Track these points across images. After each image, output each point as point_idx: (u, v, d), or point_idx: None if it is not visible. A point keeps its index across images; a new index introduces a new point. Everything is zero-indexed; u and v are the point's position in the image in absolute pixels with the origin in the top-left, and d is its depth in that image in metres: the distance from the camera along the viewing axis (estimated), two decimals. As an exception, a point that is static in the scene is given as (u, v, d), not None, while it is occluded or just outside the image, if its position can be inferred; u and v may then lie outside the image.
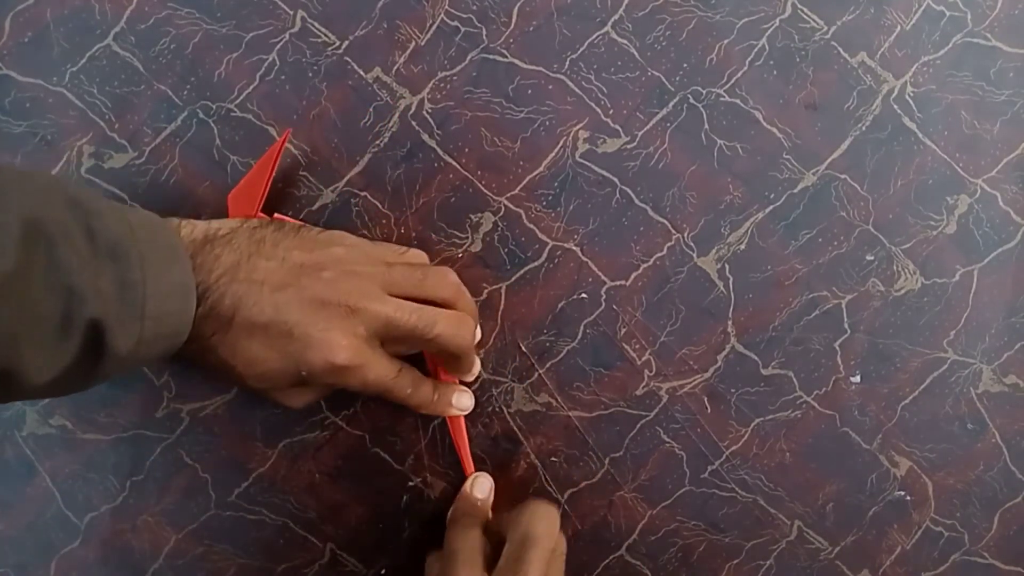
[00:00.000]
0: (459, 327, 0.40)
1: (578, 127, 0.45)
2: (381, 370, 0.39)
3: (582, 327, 0.46)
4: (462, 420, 0.45)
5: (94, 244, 0.32)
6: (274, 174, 0.42)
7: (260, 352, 0.37)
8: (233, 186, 0.44)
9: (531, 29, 0.45)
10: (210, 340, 0.37)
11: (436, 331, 0.39)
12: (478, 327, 0.43)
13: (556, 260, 0.45)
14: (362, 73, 0.45)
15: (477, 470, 0.45)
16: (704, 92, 0.45)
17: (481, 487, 0.45)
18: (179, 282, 0.35)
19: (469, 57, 0.45)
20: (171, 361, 0.44)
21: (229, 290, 0.36)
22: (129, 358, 0.34)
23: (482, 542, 0.41)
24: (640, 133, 0.45)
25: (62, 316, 0.31)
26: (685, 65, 0.45)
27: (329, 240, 0.40)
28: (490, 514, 0.44)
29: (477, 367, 0.44)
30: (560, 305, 0.45)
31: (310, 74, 0.45)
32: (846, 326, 0.46)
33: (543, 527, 0.40)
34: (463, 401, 0.44)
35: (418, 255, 0.43)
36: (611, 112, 0.45)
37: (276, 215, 0.43)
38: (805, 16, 0.45)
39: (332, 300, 0.37)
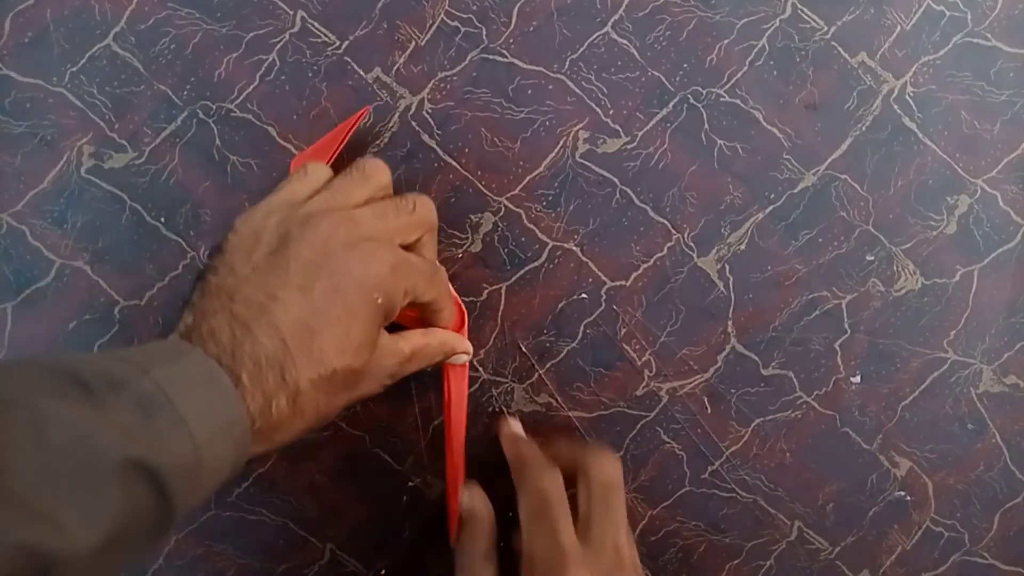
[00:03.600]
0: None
1: (578, 127, 0.45)
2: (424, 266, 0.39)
3: (582, 327, 0.46)
4: (463, 418, 0.45)
5: (88, 388, 0.28)
6: (340, 151, 0.42)
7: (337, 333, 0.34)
8: (234, 186, 0.44)
9: (531, 29, 0.45)
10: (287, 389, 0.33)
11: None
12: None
13: (556, 260, 0.45)
14: (362, 73, 0.45)
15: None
16: (704, 92, 0.45)
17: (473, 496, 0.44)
18: (199, 370, 0.31)
19: (469, 57, 0.45)
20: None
21: (260, 346, 0.33)
22: (197, 471, 0.30)
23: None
24: (640, 133, 0.45)
25: (80, 470, 0.27)
26: (685, 65, 0.45)
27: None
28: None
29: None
30: (560, 305, 0.45)
31: (310, 74, 0.45)
32: (846, 326, 0.46)
33: (616, 473, 0.41)
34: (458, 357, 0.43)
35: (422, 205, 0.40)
36: (611, 112, 0.45)
37: None
38: (805, 16, 0.45)
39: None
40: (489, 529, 0.42)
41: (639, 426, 0.46)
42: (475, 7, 0.45)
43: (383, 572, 0.46)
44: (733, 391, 0.46)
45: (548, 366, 0.46)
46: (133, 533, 0.28)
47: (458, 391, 0.44)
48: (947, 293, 0.46)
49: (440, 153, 0.45)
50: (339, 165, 0.44)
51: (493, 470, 0.45)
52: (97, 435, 0.27)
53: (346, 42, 0.45)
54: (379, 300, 0.35)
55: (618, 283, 0.46)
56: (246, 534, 0.46)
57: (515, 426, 0.45)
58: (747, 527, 0.46)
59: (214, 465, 0.31)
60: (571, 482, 0.41)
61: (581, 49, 0.45)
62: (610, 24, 0.45)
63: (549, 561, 0.38)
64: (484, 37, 0.45)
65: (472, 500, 0.43)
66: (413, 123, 0.45)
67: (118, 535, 0.27)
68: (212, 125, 0.45)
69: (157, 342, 0.33)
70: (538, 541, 0.39)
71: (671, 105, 0.45)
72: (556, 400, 0.46)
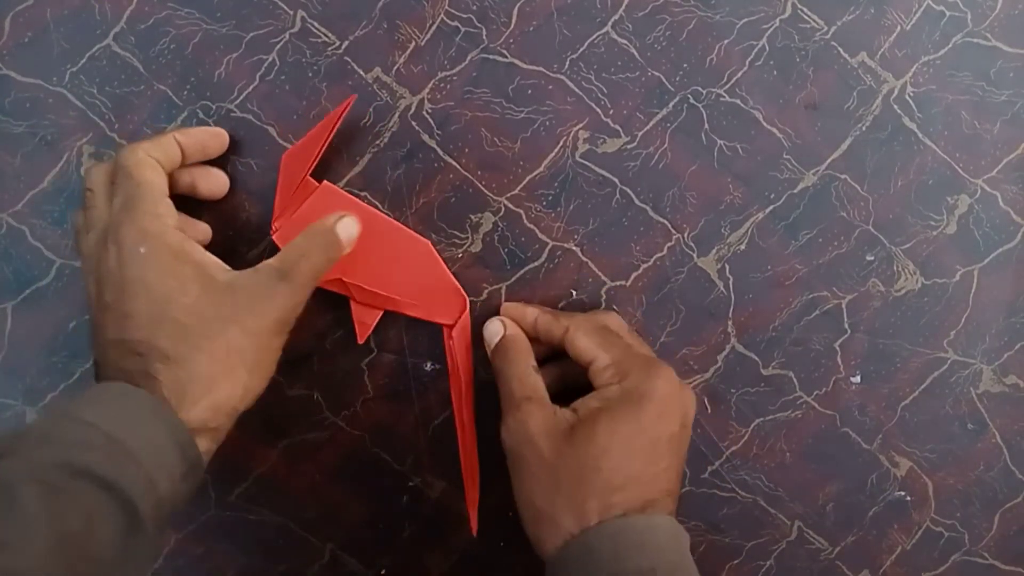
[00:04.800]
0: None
1: (578, 127, 0.45)
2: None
3: (582, 327, 0.45)
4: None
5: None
6: (330, 140, 0.42)
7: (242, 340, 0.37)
8: (234, 185, 0.44)
9: (531, 29, 0.45)
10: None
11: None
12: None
13: (556, 260, 0.45)
14: (362, 73, 0.45)
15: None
16: (704, 92, 0.45)
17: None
18: (99, 389, 0.35)
19: (469, 57, 0.45)
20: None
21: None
22: (120, 453, 0.33)
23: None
24: (640, 133, 0.45)
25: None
26: (685, 65, 0.45)
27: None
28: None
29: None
30: (560, 305, 0.45)
31: (310, 74, 0.45)
32: (846, 326, 0.46)
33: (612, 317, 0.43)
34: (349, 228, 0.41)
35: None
36: (611, 112, 0.45)
37: (324, 182, 0.43)
38: (805, 16, 0.45)
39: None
40: (529, 346, 0.42)
41: (639, 426, 0.46)
42: (475, 7, 0.45)
43: (383, 572, 0.46)
44: (733, 391, 0.46)
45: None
46: (96, 532, 0.31)
47: (465, 373, 0.45)
48: (947, 293, 0.46)
49: (440, 153, 0.45)
50: (328, 157, 0.44)
51: (494, 467, 0.45)
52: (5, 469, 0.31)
53: (346, 42, 0.45)
54: (142, 250, 0.37)
55: (618, 283, 0.46)
56: (246, 534, 0.46)
57: (494, 333, 0.43)
58: (747, 527, 0.46)
59: (142, 442, 0.33)
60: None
61: (581, 49, 0.45)
62: (610, 24, 0.45)
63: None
64: (484, 37, 0.45)
65: (510, 326, 0.43)
66: (413, 123, 0.45)
67: (71, 538, 0.30)
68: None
69: None
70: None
71: (671, 105, 0.45)
72: (556, 400, 0.46)
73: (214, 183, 0.43)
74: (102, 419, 0.33)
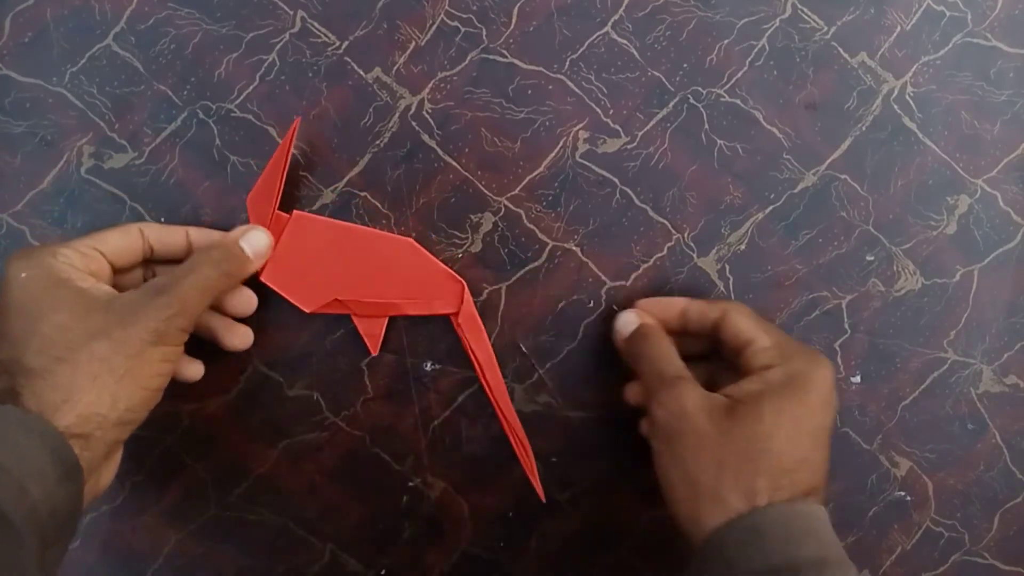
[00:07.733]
0: None
1: (578, 127, 0.45)
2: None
3: (582, 327, 0.46)
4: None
5: None
6: (287, 169, 0.42)
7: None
8: (234, 185, 0.44)
9: (531, 29, 0.45)
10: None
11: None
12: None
13: (556, 260, 0.45)
14: (362, 73, 0.45)
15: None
16: (704, 92, 0.45)
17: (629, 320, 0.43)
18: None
19: (469, 57, 0.45)
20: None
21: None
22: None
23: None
24: (640, 133, 0.45)
25: None
26: (685, 65, 0.45)
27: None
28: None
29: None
30: (560, 305, 0.45)
31: (310, 74, 0.45)
32: (846, 326, 0.46)
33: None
34: (254, 240, 0.41)
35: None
36: (611, 112, 0.45)
37: (295, 211, 0.43)
38: (805, 16, 0.45)
39: None
40: (667, 335, 0.42)
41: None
42: (475, 7, 0.45)
43: (383, 572, 0.46)
44: (733, 391, 0.46)
45: (548, 366, 0.46)
46: None
47: (483, 352, 0.44)
48: (947, 293, 0.46)
49: (440, 153, 0.45)
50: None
51: (494, 467, 0.45)
52: None
53: (346, 42, 0.45)
54: (23, 275, 0.37)
55: (618, 283, 0.46)
56: (247, 534, 0.46)
57: (628, 323, 0.43)
58: (747, 527, 0.46)
59: (7, 451, 0.33)
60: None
61: (581, 49, 0.45)
62: (610, 24, 0.45)
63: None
64: (484, 37, 0.45)
65: (645, 316, 0.42)
66: (413, 123, 0.45)
67: None
68: (212, 125, 0.45)
69: None
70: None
71: (671, 105, 0.45)
72: (556, 400, 0.46)
73: (246, 303, 0.42)
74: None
